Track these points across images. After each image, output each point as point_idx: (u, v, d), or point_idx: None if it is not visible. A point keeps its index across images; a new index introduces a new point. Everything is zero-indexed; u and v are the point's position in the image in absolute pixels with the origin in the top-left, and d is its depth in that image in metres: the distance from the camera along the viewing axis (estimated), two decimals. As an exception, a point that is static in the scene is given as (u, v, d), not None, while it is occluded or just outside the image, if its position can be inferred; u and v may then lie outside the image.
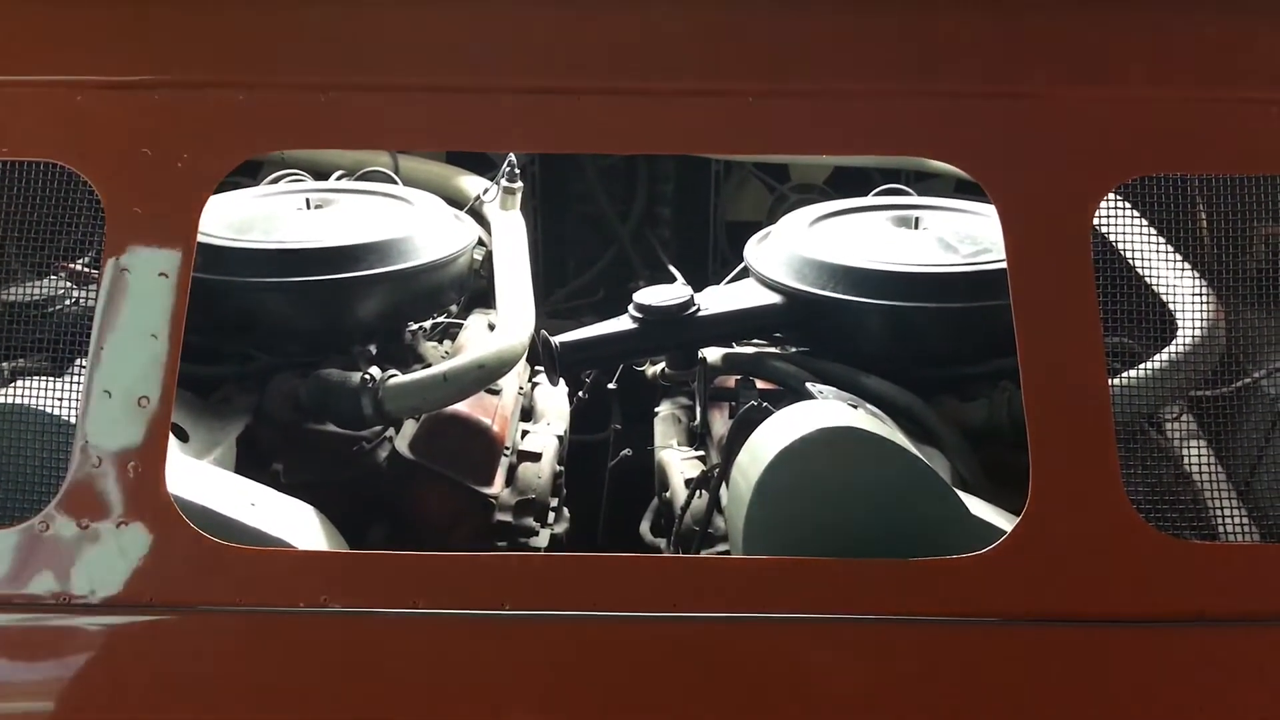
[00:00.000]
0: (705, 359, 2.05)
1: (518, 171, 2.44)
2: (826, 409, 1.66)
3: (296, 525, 1.69)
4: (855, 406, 1.70)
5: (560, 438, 2.24)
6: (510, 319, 2.06)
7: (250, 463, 1.96)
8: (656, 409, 2.37)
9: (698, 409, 2.09)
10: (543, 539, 2.09)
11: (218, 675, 1.46)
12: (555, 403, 2.41)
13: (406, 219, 2.20)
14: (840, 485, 1.55)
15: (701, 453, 2.12)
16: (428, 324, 2.41)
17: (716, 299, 2.05)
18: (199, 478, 1.71)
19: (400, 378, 1.93)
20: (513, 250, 2.30)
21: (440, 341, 2.43)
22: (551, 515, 2.18)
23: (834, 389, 1.81)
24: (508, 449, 2.14)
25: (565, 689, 1.47)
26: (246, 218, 2.16)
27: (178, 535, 1.47)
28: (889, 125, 1.55)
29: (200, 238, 2.04)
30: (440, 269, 2.14)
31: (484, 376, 1.94)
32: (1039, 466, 1.44)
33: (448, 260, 2.15)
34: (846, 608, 1.45)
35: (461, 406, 2.01)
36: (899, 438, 1.62)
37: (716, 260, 3.01)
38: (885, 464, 1.56)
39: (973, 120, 1.53)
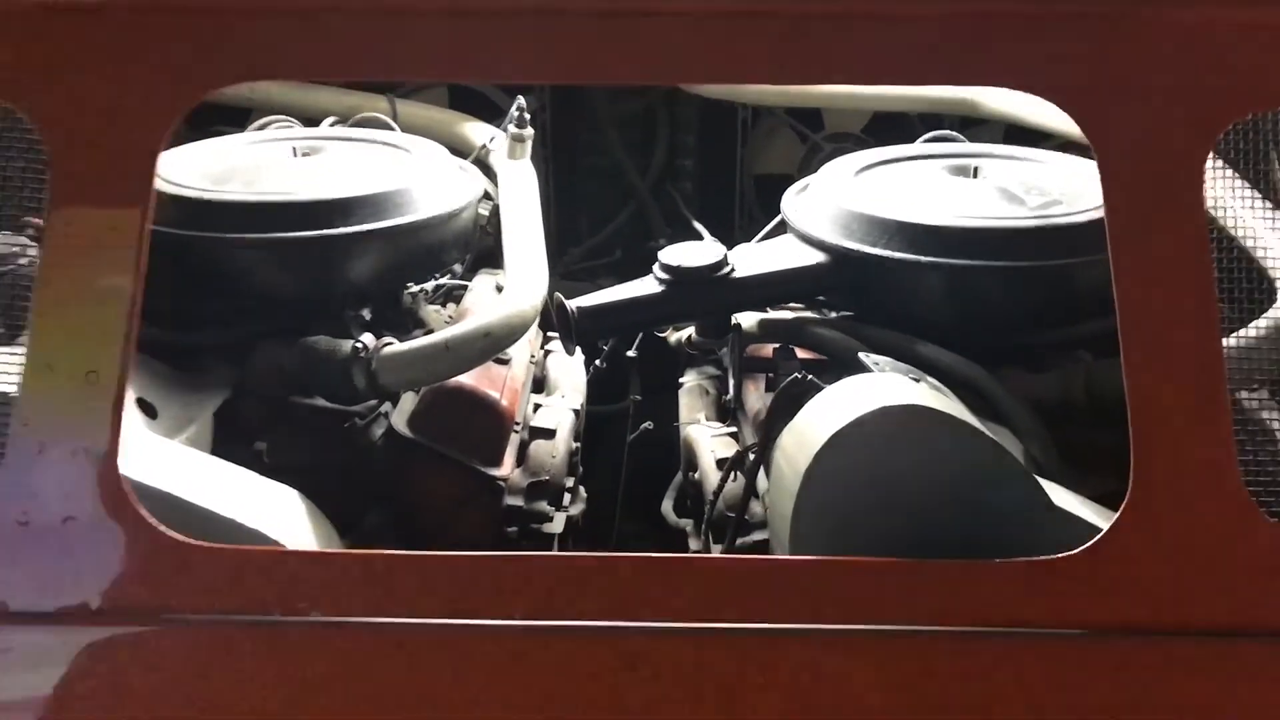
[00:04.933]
0: (740, 325, 1.83)
1: (527, 117, 2.22)
2: (884, 384, 1.44)
3: (278, 514, 1.49)
4: (916, 380, 1.48)
5: (576, 411, 2.02)
6: (520, 281, 1.84)
7: (231, 441, 1.75)
8: (681, 379, 2.15)
9: (730, 381, 1.88)
10: (558, 524, 1.88)
11: (180, 694, 1.26)
12: (570, 373, 2.19)
13: (404, 169, 1.98)
14: (904, 474, 1.33)
15: (734, 429, 1.91)
16: (430, 286, 2.20)
17: (752, 258, 1.82)
18: (167, 460, 1.50)
19: (396, 346, 1.72)
20: (522, 204, 2.07)
21: (444, 305, 2.21)
22: (567, 497, 1.98)
23: (891, 360, 1.59)
24: (518, 425, 1.93)
25: (581, 709, 1.27)
26: (227, 168, 1.94)
27: (134, 532, 1.26)
28: (964, 51, 1.32)
29: (175, 189, 1.83)
30: (441, 225, 1.93)
31: (490, 345, 1.72)
32: (1141, 450, 1.22)
33: (449, 215, 1.93)
34: (913, 617, 1.24)
35: (466, 378, 1.80)
36: (970, 417, 1.40)
37: (743, 216, 2.78)
38: (957, 449, 1.34)
39: (1068, 45, 1.29)
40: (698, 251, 1.77)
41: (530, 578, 1.28)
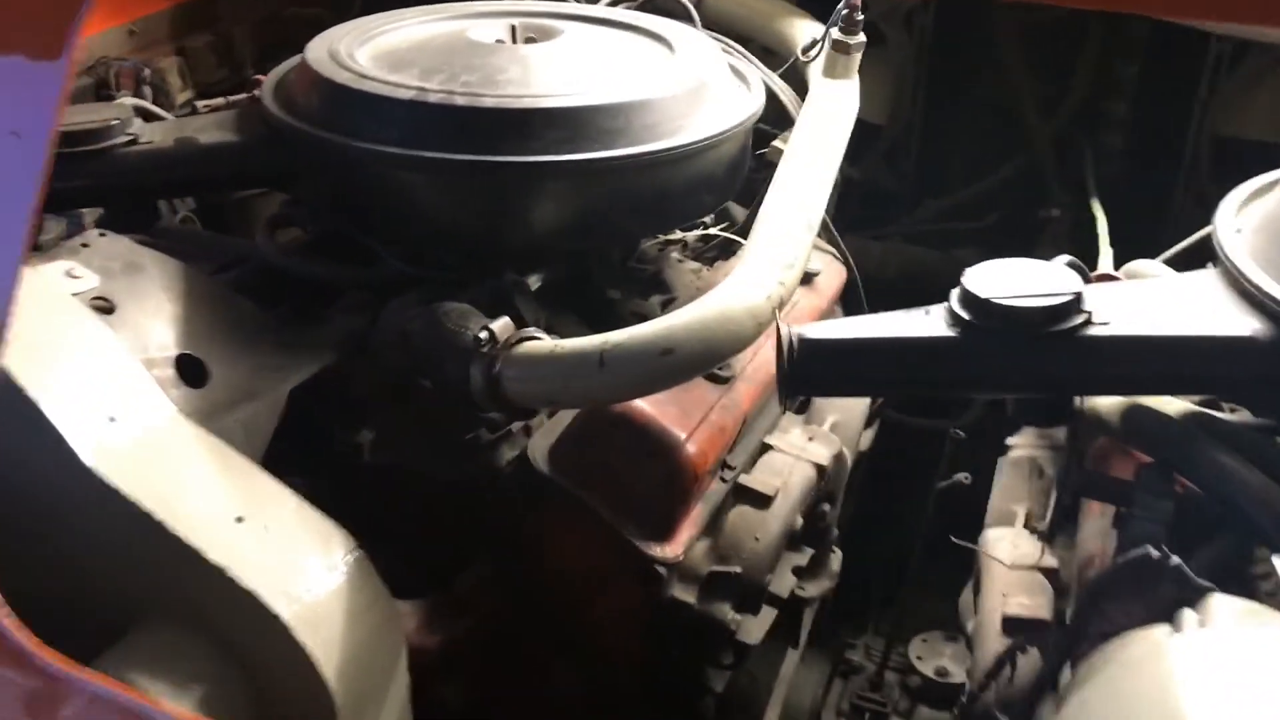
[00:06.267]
0: (1084, 411, 1.09)
1: (859, 18, 1.52)
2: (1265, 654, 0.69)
3: (299, 571, 1.01)
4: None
5: (821, 468, 1.36)
6: (754, 269, 1.21)
7: (335, 420, 1.29)
8: (1010, 440, 1.43)
9: (1054, 498, 1.15)
10: (752, 631, 1.27)
11: None
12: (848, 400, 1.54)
13: (649, 72, 1.38)
14: None
15: (1053, 564, 1.18)
16: (692, 236, 1.62)
17: (1133, 302, 1.05)
18: (168, 456, 1.05)
19: (532, 345, 1.14)
20: (811, 146, 1.41)
21: (712, 263, 1.63)
22: (789, 583, 1.36)
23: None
24: (729, 470, 1.32)
25: None
26: (411, 46, 1.43)
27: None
28: None
29: (319, 67, 1.36)
30: (685, 160, 1.33)
31: (673, 367, 1.10)
32: None
33: (700, 147, 1.33)
34: None
35: (645, 403, 1.21)
36: None
37: (1189, 197, 1.92)
38: None
39: None
40: (1034, 278, 1.02)
41: None
